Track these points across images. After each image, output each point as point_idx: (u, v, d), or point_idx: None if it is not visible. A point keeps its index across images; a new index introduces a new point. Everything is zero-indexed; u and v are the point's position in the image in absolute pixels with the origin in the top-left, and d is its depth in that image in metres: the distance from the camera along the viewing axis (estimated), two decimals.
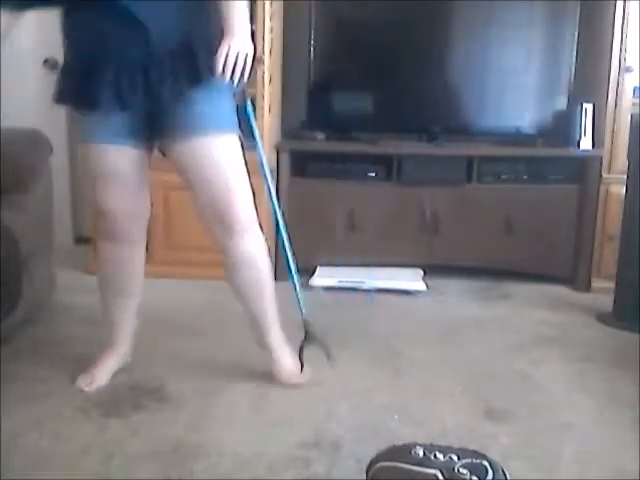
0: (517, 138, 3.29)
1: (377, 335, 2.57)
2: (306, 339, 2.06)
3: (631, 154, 2.78)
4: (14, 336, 2.35)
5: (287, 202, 3.18)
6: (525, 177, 3.23)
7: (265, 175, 2.06)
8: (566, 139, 3.21)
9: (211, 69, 1.76)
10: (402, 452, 1.44)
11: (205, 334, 2.50)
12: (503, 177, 3.23)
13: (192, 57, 1.78)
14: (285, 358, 2.10)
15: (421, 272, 3.20)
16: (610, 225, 3.10)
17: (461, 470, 1.36)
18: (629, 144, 2.80)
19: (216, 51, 1.75)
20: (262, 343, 2.12)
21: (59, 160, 3.27)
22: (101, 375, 2.08)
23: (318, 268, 3.19)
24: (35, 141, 2.55)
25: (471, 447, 1.47)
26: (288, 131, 3.37)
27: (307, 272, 3.13)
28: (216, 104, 1.86)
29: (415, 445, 1.45)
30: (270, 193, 2.10)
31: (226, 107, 1.89)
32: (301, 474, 1.63)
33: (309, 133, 3.29)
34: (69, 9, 1.86)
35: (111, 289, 2.11)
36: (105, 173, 1.93)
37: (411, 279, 3.14)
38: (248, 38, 1.80)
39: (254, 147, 2.01)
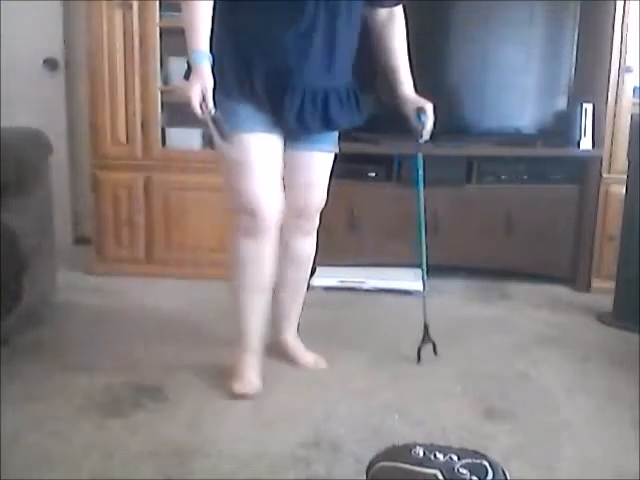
0: (517, 138, 3.29)
1: (377, 335, 2.57)
2: (423, 340, 2.32)
3: (631, 154, 2.78)
4: (14, 336, 2.35)
5: None
6: (525, 177, 3.23)
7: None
8: (566, 139, 3.21)
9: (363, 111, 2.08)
10: (402, 452, 1.44)
11: (205, 334, 2.50)
12: (503, 177, 3.23)
13: (355, 97, 2.05)
14: (303, 350, 2.28)
15: (421, 272, 3.19)
16: (610, 225, 3.10)
17: (461, 470, 1.36)
18: (629, 144, 2.80)
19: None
20: (279, 337, 2.27)
21: (59, 160, 3.27)
22: (255, 378, 2.05)
23: (318, 268, 3.18)
24: (35, 141, 2.55)
25: (471, 447, 1.47)
26: None
27: None
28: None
29: (415, 445, 1.45)
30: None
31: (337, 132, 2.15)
32: (301, 474, 1.63)
33: None
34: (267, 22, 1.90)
35: (252, 288, 2.05)
36: (260, 163, 1.93)
37: (411, 279, 3.14)
38: None
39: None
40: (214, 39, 1.86)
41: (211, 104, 1.80)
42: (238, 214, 1.97)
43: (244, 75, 1.90)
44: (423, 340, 2.31)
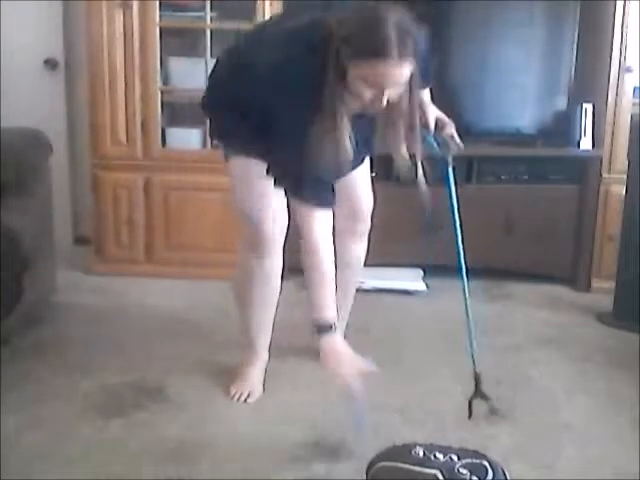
0: (517, 138, 3.29)
1: (377, 335, 2.57)
2: (475, 393, 1.94)
3: (631, 154, 2.78)
4: (14, 336, 2.34)
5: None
6: (525, 177, 3.23)
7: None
8: (566, 139, 3.21)
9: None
10: (402, 452, 1.45)
11: (205, 334, 2.50)
12: (503, 177, 3.22)
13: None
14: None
15: (421, 272, 3.20)
16: (610, 225, 3.10)
17: (461, 470, 1.36)
18: (629, 144, 2.80)
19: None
20: None
21: (59, 160, 3.27)
22: (258, 385, 2.07)
23: None
24: (35, 141, 2.55)
25: (471, 447, 1.47)
26: None
27: None
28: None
29: (415, 445, 1.45)
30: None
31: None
32: (301, 474, 1.63)
33: None
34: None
35: (260, 303, 2.07)
36: (264, 183, 1.90)
37: (411, 279, 3.14)
38: None
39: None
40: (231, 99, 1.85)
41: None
42: (244, 230, 1.99)
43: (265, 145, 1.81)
44: (475, 394, 1.94)
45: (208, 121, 1.96)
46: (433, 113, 2.08)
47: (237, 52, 1.93)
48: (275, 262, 2.02)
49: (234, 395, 2.02)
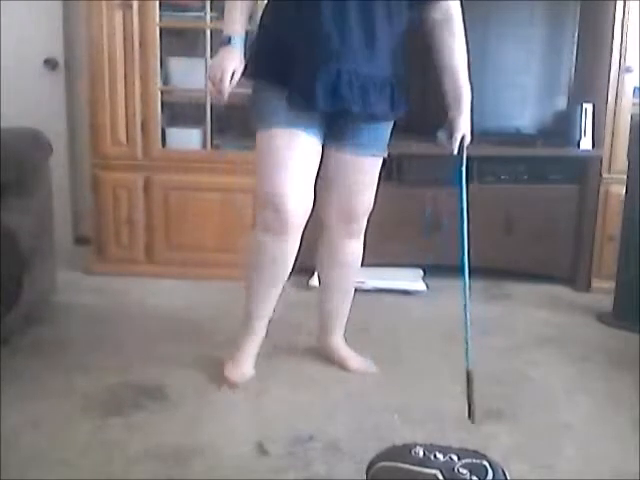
0: (517, 138, 3.29)
1: (377, 335, 2.57)
2: (468, 392, 1.91)
3: (631, 154, 2.78)
4: (14, 336, 2.34)
5: None
6: (525, 177, 3.23)
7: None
8: (566, 139, 3.21)
9: (404, 106, 2.04)
10: (402, 452, 1.44)
11: (205, 334, 2.50)
12: (503, 177, 3.23)
13: (396, 90, 2.00)
14: (350, 354, 2.27)
15: (421, 272, 3.20)
16: (610, 225, 3.10)
17: (461, 470, 1.36)
18: (629, 144, 2.80)
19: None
20: (325, 340, 2.27)
21: (59, 160, 3.27)
22: (250, 367, 2.10)
23: None
24: (35, 141, 2.55)
25: (471, 447, 1.47)
26: None
27: (307, 272, 3.13)
28: (387, 132, 2.09)
29: (415, 445, 1.45)
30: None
31: (388, 135, 2.11)
32: (301, 474, 1.63)
33: None
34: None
35: (266, 281, 2.04)
36: (291, 160, 1.90)
37: (411, 279, 3.14)
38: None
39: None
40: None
41: (227, 89, 1.87)
42: (264, 210, 1.96)
43: (280, 59, 1.89)
44: (469, 393, 1.91)
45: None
46: (465, 120, 2.21)
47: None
48: (291, 244, 1.98)
49: (226, 379, 2.05)
